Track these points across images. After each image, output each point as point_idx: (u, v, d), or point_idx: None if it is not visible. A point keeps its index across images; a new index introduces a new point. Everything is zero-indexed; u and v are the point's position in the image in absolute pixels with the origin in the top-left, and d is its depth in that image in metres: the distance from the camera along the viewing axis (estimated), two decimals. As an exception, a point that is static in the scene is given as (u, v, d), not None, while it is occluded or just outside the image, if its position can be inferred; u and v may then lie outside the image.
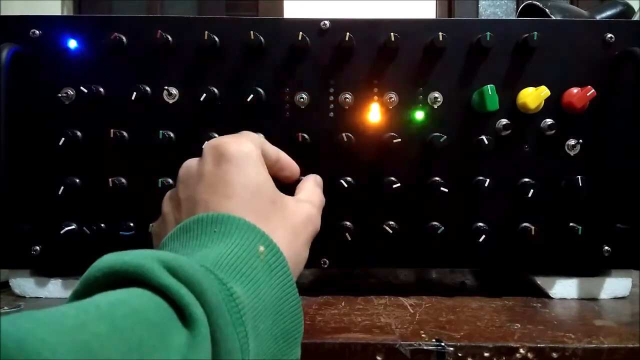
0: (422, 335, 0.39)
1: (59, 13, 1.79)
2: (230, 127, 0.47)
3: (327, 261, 0.48)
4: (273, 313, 0.30)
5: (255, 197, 0.34)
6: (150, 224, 0.46)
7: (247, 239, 0.31)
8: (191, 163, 0.37)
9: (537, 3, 0.76)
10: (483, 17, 1.72)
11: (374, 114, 0.48)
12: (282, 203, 0.36)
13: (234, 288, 0.28)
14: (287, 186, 0.41)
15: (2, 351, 0.17)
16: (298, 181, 0.43)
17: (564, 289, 0.50)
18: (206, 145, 0.37)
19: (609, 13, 0.77)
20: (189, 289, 0.24)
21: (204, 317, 0.24)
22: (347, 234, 0.47)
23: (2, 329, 0.17)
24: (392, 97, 0.47)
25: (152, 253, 0.25)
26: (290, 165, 0.42)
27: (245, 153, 0.35)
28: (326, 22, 0.47)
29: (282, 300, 0.31)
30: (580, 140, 0.47)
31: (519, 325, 0.41)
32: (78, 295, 0.25)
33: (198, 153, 0.38)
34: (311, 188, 0.42)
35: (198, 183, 0.35)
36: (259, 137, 0.39)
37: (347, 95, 0.47)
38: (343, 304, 0.47)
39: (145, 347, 0.21)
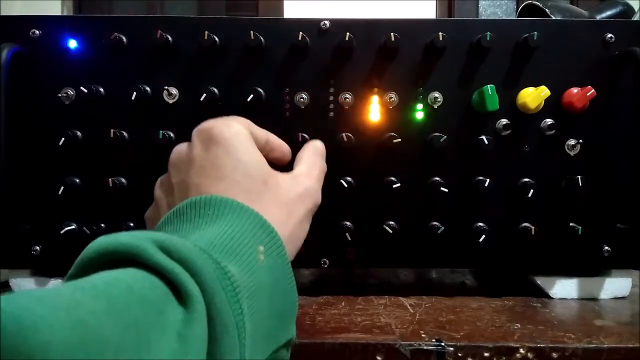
0: (422, 335, 0.39)
1: (59, 13, 1.79)
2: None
3: (327, 261, 0.48)
4: (268, 292, 0.30)
5: (245, 178, 0.34)
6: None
7: (240, 220, 0.31)
8: (181, 148, 0.37)
9: (537, 3, 0.76)
10: (483, 17, 1.73)
11: (374, 114, 0.48)
12: (275, 182, 0.36)
13: (228, 267, 0.27)
14: (282, 166, 0.40)
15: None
16: (292, 162, 0.42)
17: (564, 289, 0.50)
18: (195, 130, 0.37)
19: (609, 13, 0.77)
20: (183, 267, 0.24)
21: (199, 294, 0.24)
22: (347, 234, 0.47)
23: None
24: (392, 97, 0.47)
25: (146, 234, 0.25)
26: (280, 146, 0.41)
27: (233, 134, 0.35)
28: (326, 22, 0.47)
29: (277, 280, 0.31)
30: (580, 140, 0.47)
31: (519, 325, 0.41)
32: (73, 278, 0.25)
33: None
34: (310, 158, 0.41)
35: (189, 167, 0.35)
36: (246, 120, 0.38)
37: (347, 95, 0.47)
38: (343, 304, 0.47)
39: (142, 325, 0.21)
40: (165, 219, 0.33)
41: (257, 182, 0.35)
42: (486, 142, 0.46)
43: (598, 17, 0.76)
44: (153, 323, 0.22)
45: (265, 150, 0.39)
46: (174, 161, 0.37)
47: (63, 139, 0.47)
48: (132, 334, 0.20)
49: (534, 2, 0.77)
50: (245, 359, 0.27)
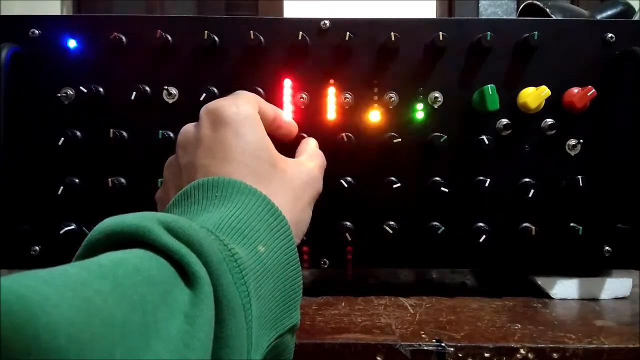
0: (423, 335, 0.39)
1: (58, 13, 1.78)
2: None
3: (327, 261, 0.48)
4: (274, 276, 0.30)
5: (254, 160, 0.34)
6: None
7: (249, 202, 0.31)
8: (189, 128, 0.37)
9: (538, 3, 0.76)
10: (483, 17, 1.72)
11: (374, 114, 0.48)
12: (282, 166, 0.36)
13: (235, 249, 0.27)
14: (286, 145, 0.40)
15: (6, 308, 0.17)
16: (297, 140, 0.42)
17: (564, 289, 0.49)
18: (202, 109, 0.36)
19: (609, 13, 0.76)
20: (190, 248, 0.24)
21: (206, 275, 0.24)
22: (347, 234, 0.47)
23: (5, 287, 0.17)
24: (392, 97, 0.47)
25: (152, 214, 0.25)
26: (288, 123, 0.41)
27: (242, 116, 0.35)
28: (326, 22, 0.47)
29: (284, 263, 0.31)
30: (581, 140, 0.47)
31: (520, 326, 0.41)
32: (79, 259, 0.25)
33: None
34: (312, 149, 0.42)
35: (197, 148, 0.35)
36: (255, 97, 0.38)
37: (348, 95, 0.47)
38: (343, 304, 0.47)
39: (148, 305, 0.21)
40: (173, 200, 0.32)
41: (265, 165, 0.35)
42: (486, 142, 0.46)
43: (598, 17, 0.76)
44: (160, 303, 0.22)
45: (273, 127, 0.39)
46: (182, 142, 0.37)
47: (62, 139, 0.47)
48: (139, 314, 0.20)
49: (534, 1, 0.77)
50: (252, 342, 0.26)
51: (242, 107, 0.35)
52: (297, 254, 0.32)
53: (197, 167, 0.34)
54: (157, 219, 0.25)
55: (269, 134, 0.37)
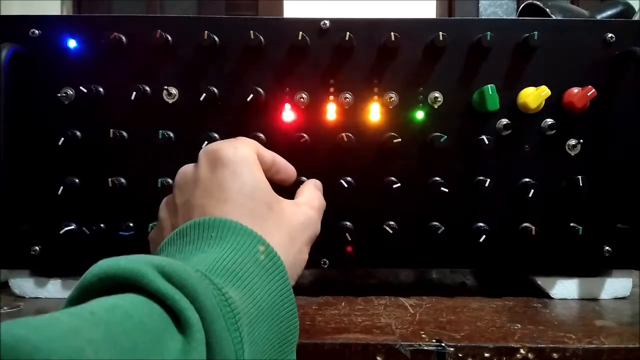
0: (423, 335, 0.39)
1: (58, 13, 1.78)
2: (230, 127, 0.47)
3: (327, 261, 0.48)
4: (269, 318, 0.30)
5: (251, 200, 0.34)
6: (150, 224, 0.46)
7: (244, 243, 0.31)
8: (187, 169, 0.37)
9: (538, 3, 0.76)
10: (483, 17, 1.72)
11: (374, 114, 0.48)
12: (279, 206, 0.36)
13: (229, 293, 0.27)
14: (286, 189, 0.40)
15: None
16: (297, 184, 0.42)
17: (564, 289, 0.50)
18: (202, 151, 0.37)
19: (609, 13, 0.76)
20: (183, 293, 0.24)
21: (198, 322, 0.24)
22: (347, 234, 0.47)
23: None
24: (392, 97, 0.47)
25: (147, 258, 0.25)
26: (286, 168, 0.41)
27: (240, 157, 0.35)
28: (326, 22, 0.47)
29: (279, 305, 0.31)
30: (581, 140, 0.47)
31: (520, 326, 0.41)
32: (73, 302, 0.25)
33: (197, 153, 0.38)
34: (311, 191, 0.41)
35: (194, 189, 0.35)
36: (254, 142, 0.38)
37: (347, 95, 0.47)
38: (343, 304, 0.47)
39: (140, 353, 0.21)
40: (168, 239, 0.32)
41: (262, 205, 0.35)
42: (486, 142, 0.46)
43: (598, 17, 0.76)
44: (151, 351, 0.22)
45: (271, 172, 0.39)
46: (179, 182, 0.37)
47: (62, 139, 0.47)
48: None
49: (534, 1, 0.77)
50: None
51: (240, 149, 0.36)
52: (293, 295, 0.32)
53: (193, 207, 0.34)
54: (151, 262, 0.25)
55: (267, 179, 0.37)
